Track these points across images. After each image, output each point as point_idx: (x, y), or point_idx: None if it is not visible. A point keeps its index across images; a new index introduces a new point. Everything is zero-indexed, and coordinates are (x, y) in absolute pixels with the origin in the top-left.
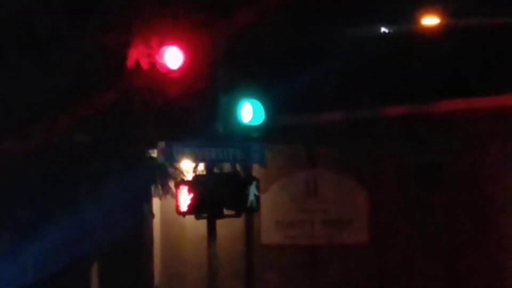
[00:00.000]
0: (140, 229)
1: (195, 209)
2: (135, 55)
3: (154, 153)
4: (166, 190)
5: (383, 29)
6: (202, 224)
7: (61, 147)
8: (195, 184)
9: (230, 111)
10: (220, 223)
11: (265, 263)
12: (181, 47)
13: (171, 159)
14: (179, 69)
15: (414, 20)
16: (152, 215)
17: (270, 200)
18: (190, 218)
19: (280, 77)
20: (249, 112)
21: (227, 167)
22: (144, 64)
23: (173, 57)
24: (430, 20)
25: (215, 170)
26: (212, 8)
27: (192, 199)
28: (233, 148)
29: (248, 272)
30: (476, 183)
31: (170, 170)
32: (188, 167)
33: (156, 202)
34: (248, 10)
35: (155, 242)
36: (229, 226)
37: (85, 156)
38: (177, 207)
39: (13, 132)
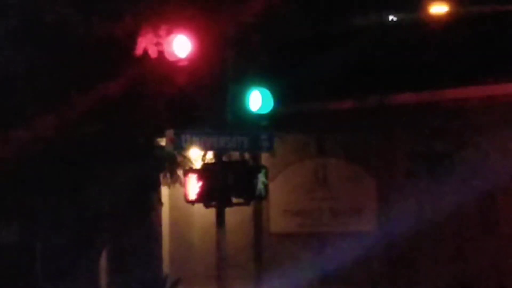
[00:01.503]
0: (148, 218)
1: (204, 197)
2: (144, 43)
3: (163, 142)
4: (174, 179)
5: (391, 17)
6: (211, 212)
7: (70, 136)
8: (204, 173)
9: (239, 100)
10: (228, 211)
11: (273, 251)
12: (189, 35)
13: (180, 148)
14: (188, 58)
15: (423, 8)
16: (161, 204)
17: (279, 189)
18: (199, 206)
19: (289, 65)
20: (257, 100)
21: (235, 155)
22: (153, 52)
23: (181, 46)
24: (438, 8)
25: (224, 158)
26: None
27: (201, 188)
28: (242, 137)
29: (256, 260)
30: (485, 171)
31: (179, 158)
32: (196, 156)
33: (164, 191)
34: None
35: (163, 230)
36: (238, 214)
37: (94, 145)
38: (186, 195)
39: (22, 121)
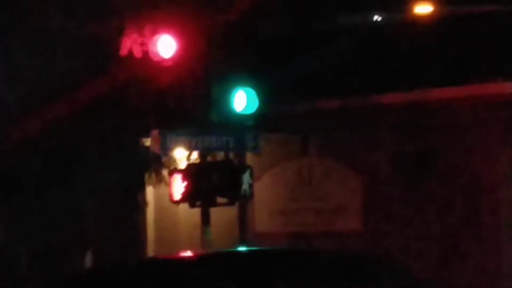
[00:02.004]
0: (133, 217)
1: (189, 197)
2: (128, 43)
3: (148, 142)
4: (159, 179)
5: (376, 17)
6: (196, 212)
7: (55, 136)
8: (189, 173)
9: (224, 100)
10: (213, 211)
11: None
12: (174, 35)
13: (165, 148)
14: (172, 58)
15: (407, 8)
16: (146, 204)
17: (264, 188)
18: (184, 206)
19: (274, 65)
20: (242, 100)
21: (220, 155)
22: (137, 52)
23: (166, 46)
24: (423, 8)
25: (209, 158)
26: None
27: (186, 188)
28: (227, 136)
29: None
30: (471, 169)
31: (164, 158)
32: (181, 156)
33: (149, 191)
34: None
35: (148, 230)
36: (223, 214)
37: (79, 144)
38: (171, 195)
39: (8, 122)
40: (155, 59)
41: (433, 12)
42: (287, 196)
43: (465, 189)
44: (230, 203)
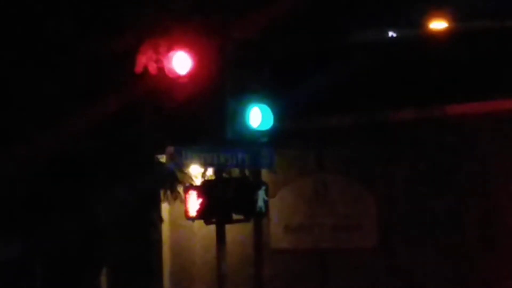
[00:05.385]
0: (148, 234)
1: (204, 214)
2: (144, 60)
3: (163, 158)
4: (175, 195)
5: (391, 33)
6: (211, 229)
7: (70, 152)
8: (204, 189)
9: (239, 116)
10: (229, 228)
11: (274, 267)
12: (189, 52)
13: (180, 164)
14: (188, 74)
15: (422, 24)
16: (161, 220)
17: (279, 205)
18: (199, 223)
19: (289, 81)
20: (257, 116)
21: (236, 172)
22: (153, 69)
23: (181, 62)
24: (438, 24)
25: (224, 175)
26: (221, 13)
27: (201, 204)
28: (242, 153)
29: (257, 276)
30: (485, 187)
31: (179, 175)
32: (196, 172)
33: (164, 207)
34: (257, 15)
35: (164, 247)
36: (238, 231)
37: (94, 161)
38: (186, 212)
39: (23, 138)
40: (171, 75)
41: (448, 28)
42: (303, 212)
43: (482, 206)
44: (245, 220)
